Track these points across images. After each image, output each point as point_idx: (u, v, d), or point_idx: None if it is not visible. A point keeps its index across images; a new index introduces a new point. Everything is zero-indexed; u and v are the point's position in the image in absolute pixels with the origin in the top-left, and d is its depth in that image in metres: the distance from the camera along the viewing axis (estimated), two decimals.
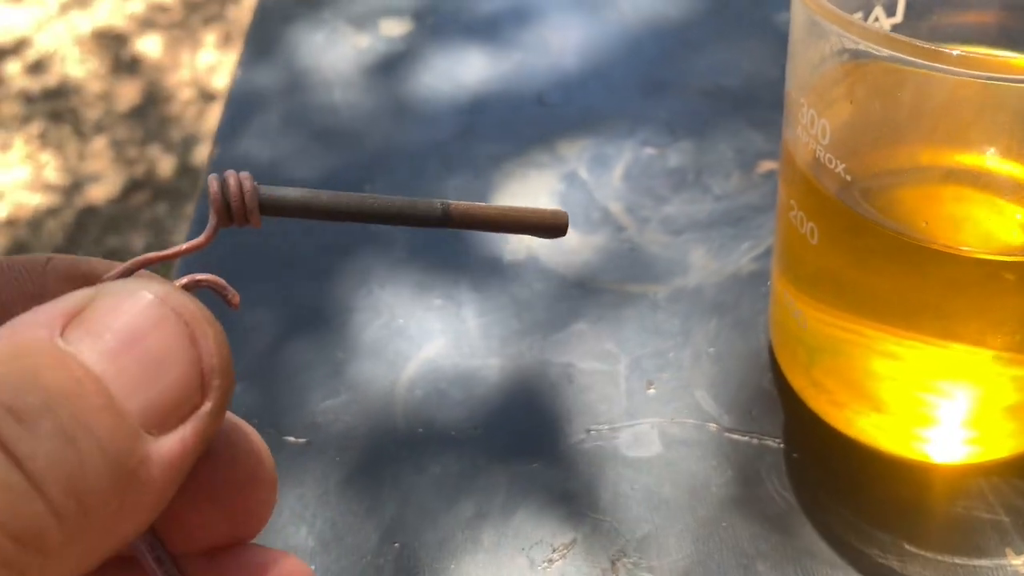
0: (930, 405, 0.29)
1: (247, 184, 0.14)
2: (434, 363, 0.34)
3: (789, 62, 0.26)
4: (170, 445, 0.13)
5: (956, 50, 0.21)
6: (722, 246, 0.37)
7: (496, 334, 0.35)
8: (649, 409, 0.32)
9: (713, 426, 0.31)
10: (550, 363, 0.34)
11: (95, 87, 1.48)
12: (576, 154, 0.43)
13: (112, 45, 1.54)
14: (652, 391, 0.33)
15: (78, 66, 1.51)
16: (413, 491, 0.31)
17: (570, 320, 0.35)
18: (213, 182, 0.14)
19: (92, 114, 1.43)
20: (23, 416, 0.11)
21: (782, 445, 0.31)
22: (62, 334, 0.12)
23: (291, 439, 0.32)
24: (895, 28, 0.29)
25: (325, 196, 0.15)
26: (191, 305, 0.13)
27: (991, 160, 0.25)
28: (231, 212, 0.14)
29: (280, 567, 0.15)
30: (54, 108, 1.45)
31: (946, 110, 0.24)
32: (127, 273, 0.14)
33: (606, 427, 0.32)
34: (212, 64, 1.47)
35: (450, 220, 0.15)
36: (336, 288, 0.38)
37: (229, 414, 0.15)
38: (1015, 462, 0.29)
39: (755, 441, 0.31)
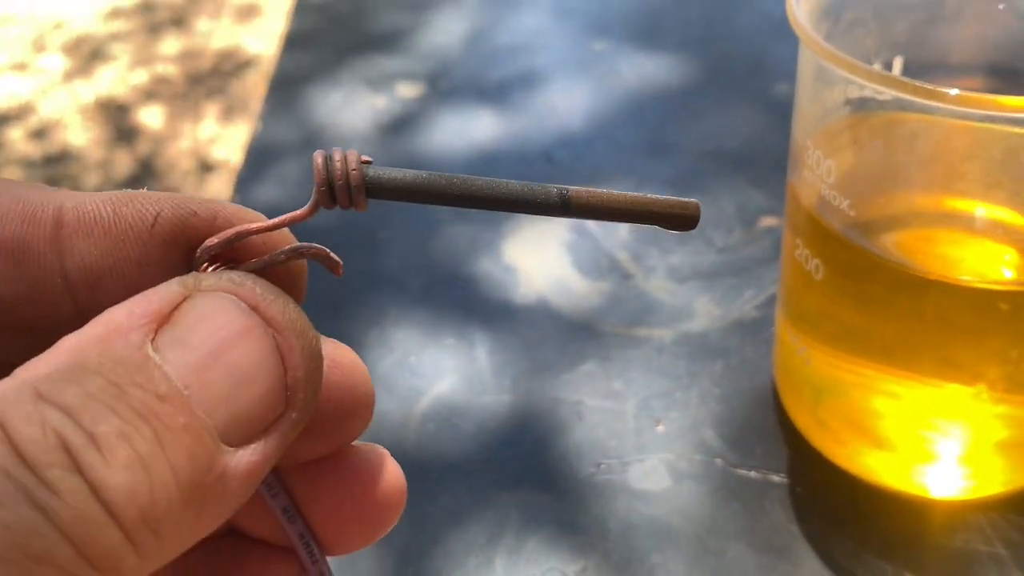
0: (929, 442, 0.30)
1: (353, 162, 0.13)
2: (447, 399, 0.35)
3: (796, 109, 0.28)
4: (249, 457, 0.13)
5: (952, 90, 0.23)
6: (725, 294, 0.39)
7: (507, 372, 0.36)
8: (658, 445, 0.33)
9: (719, 461, 0.32)
10: (560, 400, 0.35)
11: (95, 155, 1.51)
12: None
13: (114, 114, 1.57)
14: (660, 428, 0.34)
15: (79, 134, 1.54)
16: (427, 520, 0.31)
17: (579, 361, 0.37)
18: (318, 157, 0.14)
19: (91, 181, 1.45)
20: (102, 444, 0.12)
21: (786, 480, 0.31)
22: (153, 339, 0.13)
23: None
24: None
25: (438, 179, 0.14)
26: (280, 315, 0.13)
27: (985, 204, 0.27)
28: (334, 193, 0.14)
29: (378, 466, 0.16)
30: (53, 174, 1.47)
31: (944, 156, 0.26)
32: (228, 243, 0.14)
33: (616, 461, 0.33)
34: (212, 136, 1.50)
35: (570, 209, 0.14)
36: (350, 326, 0.39)
37: (373, 446, 0.16)
38: (1012, 498, 0.30)
39: (760, 476, 0.32)
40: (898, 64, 0.31)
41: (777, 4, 0.42)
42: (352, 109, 0.52)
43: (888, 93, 0.23)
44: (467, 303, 0.40)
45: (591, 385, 0.35)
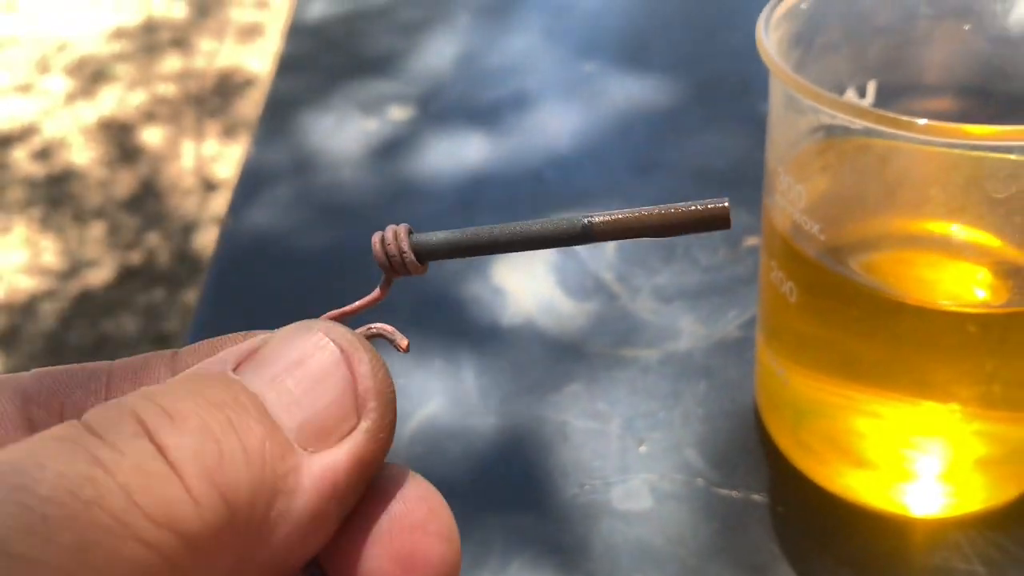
0: (908, 460, 0.30)
1: (402, 235, 0.15)
2: (434, 421, 0.36)
3: (768, 135, 0.28)
4: (324, 461, 0.13)
5: (922, 120, 0.23)
6: (710, 314, 0.39)
7: (494, 394, 0.37)
8: (640, 465, 0.33)
9: (701, 481, 0.33)
10: (545, 421, 0.35)
11: (98, 174, 1.52)
12: None
13: (116, 135, 1.59)
14: (643, 449, 0.34)
15: (82, 154, 1.55)
16: None
17: (564, 382, 0.37)
18: (376, 241, 0.16)
19: (93, 200, 1.47)
20: (175, 416, 0.12)
21: (768, 500, 0.32)
22: (235, 369, 0.14)
23: None
24: None
25: (469, 233, 0.15)
26: (349, 335, 0.14)
27: (956, 225, 0.27)
28: (392, 265, 0.16)
29: None
30: (57, 193, 1.48)
31: (914, 180, 0.27)
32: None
33: (599, 482, 0.33)
34: (214, 155, 1.51)
35: (593, 235, 0.15)
36: None
37: (399, 464, 0.15)
38: (989, 515, 0.30)
39: (742, 496, 0.32)
40: (872, 87, 0.32)
41: None
42: (344, 132, 0.53)
43: (858, 125, 0.24)
44: (456, 325, 0.40)
45: (576, 406, 0.36)
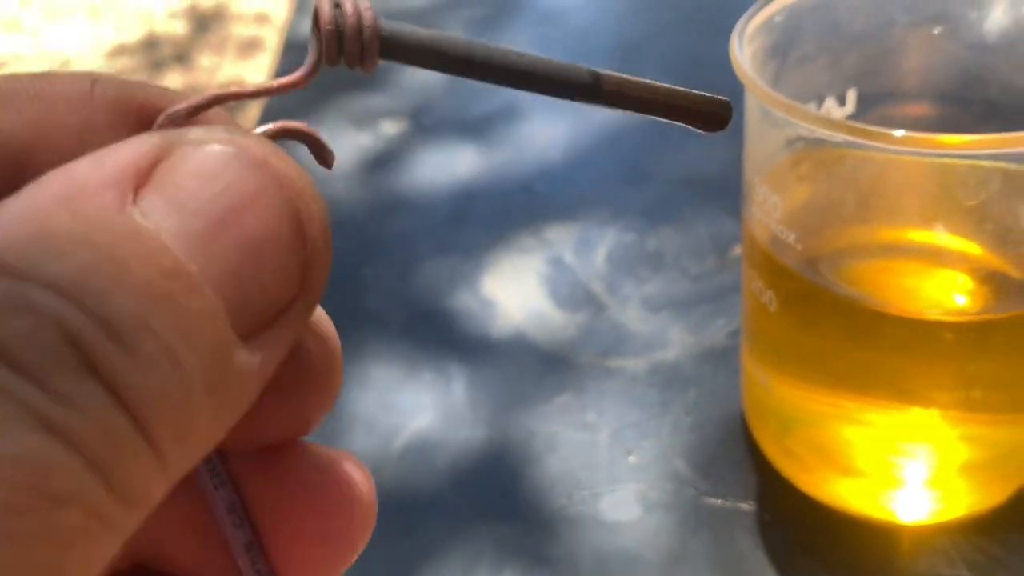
0: (895, 467, 0.30)
1: (367, 14, 0.12)
2: (424, 434, 0.36)
3: (744, 146, 0.29)
4: (262, 350, 0.10)
5: (898, 131, 0.23)
6: (699, 322, 0.39)
7: (484, 406, 0.37)
8: (629, 476, 0.33)
9: (690, 491, 0.33)
10: (535, 433, 0.36)
11: None
12: (562, 239, 0.45)
13: None
14: (632, 459, 0.34)
15: None
16: (401, 556, 0.32)
17: (554, 393, 0.37)
18: (324, 4, 0.12)
19: None
20: (121, 334, 0.09)
21: (756, 508, 0.32)
22: (135, 201, 0.09)
23: None
24: (850, 118, 0.32)
25: (457, 42, 0.12)
26: (293, 171, 0.11)
27: (932, 233, 0.27)
28: (343, 45, 0.12)
29: (338, 469, 0.13)
30: None
31: (890, 190, 0.27)
32: (196, 112, 0.12)
33: (587, 493, 0.33)
34: None
35: (600, 93, 0.13)
36: None
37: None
38: (976, 520, 0.30)
39: (730, 504, 0.32)
40: (852, 96, 0.32)
41: None
42: (337, 147, 0.53)
43: (839, 137, 0.24)
44: (446, 337, 0.40)
45: (565, 417, 0.36)
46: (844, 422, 0.30)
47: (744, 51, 0.27)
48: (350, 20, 0.12)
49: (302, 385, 0.13)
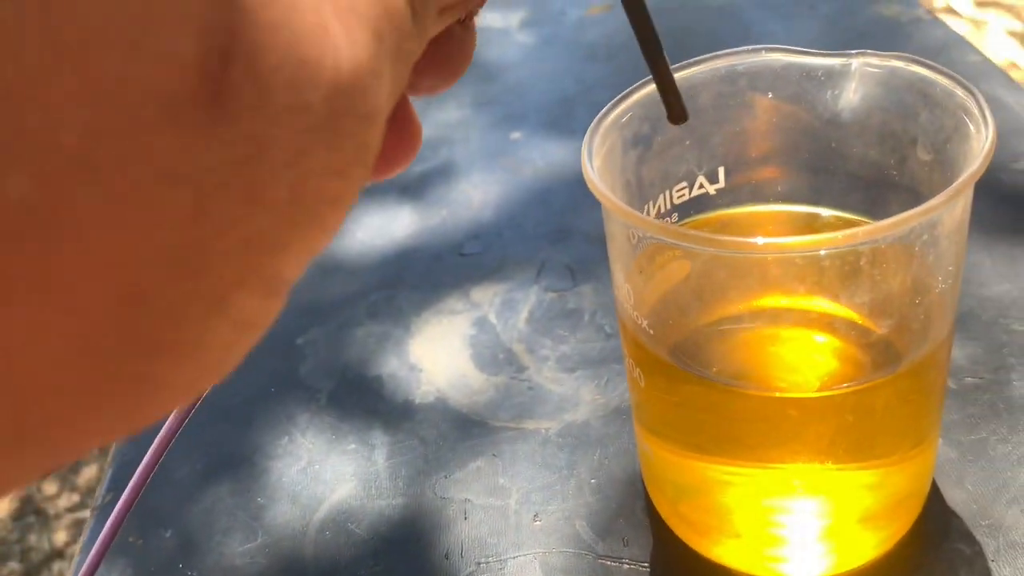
0: (782, 526, 0.32)
1: None
2: (345, 505, 0.38)
3: (605, 231, 0.30)
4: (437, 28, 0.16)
5: (721, 235, 0.25)
6: (609, 381, 0.41)
7: (403, 474, 0.39)
8: (534, 541, 0.35)
9: (589, 555, 0.34)
10: (450, 500, 0.37)
11: None
12: (488, 300, 0.47)
13: None
14: (538, 523, 0.36)
15: None
16: None
17: (470, 458, 0.39)
18: None
19: None
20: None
21: (652, 571, 0.33)
22: None
23: None
24: (720, 192, 0.34)
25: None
26: None
27: (780, 309, 0.29)
28: None
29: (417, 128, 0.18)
30: None
31: (732, 280, 0.28)
32: None
33: (494, 559, 0.35)
34: None
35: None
36: (262, 436, 0.41)
37: None
38: (873, 568, 0.31)
39: (627, 567, 0.34)
40: (722, 172, 0.33)
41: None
42: None
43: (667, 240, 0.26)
44: (371, 406, 0.42)
45: (479, 482, 0.38)
46: (720, 487, 0.31)
47: (596, 150, 0.28)
48: None
49: (447, 59, 0.18)
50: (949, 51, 0.59)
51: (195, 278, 0.10)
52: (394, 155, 0.19)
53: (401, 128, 0.19)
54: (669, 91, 0.25)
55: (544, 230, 0.51)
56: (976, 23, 1.89)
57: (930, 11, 0.64)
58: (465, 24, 0.19)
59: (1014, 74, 1.72)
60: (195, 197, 0.10)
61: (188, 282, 0.10)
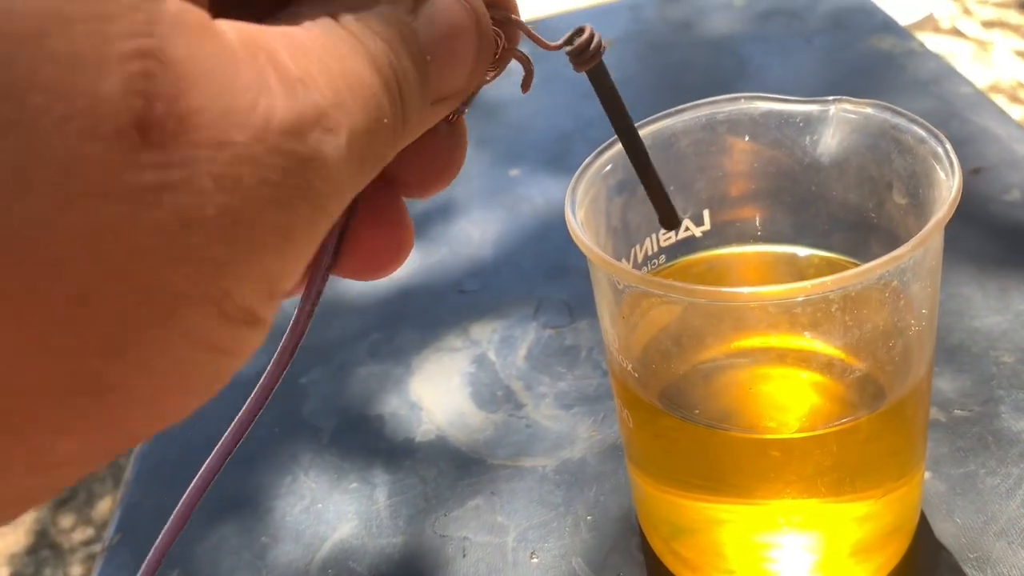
0: (773, 561, 0.32)
1: (603, 42, 0.22)
2: (346, 543, 0.38)
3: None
4: (438, 113, 0.17)
5: (697, 285, 0.26)
6: (605, 417, 0.42)
7: (403, 513, 0.39)
8: None
9: None
10: (448, 538, 0.38)
11: None
12: (487, 337, 0.48)
13: None
14: (535, 560, 0.36)
15: None
16: None
17: (469, 496, 0.40)
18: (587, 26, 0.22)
19: None
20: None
21: None
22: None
23: None
24: (705, 235, 0.35)
25: (621, 105, 0.24)
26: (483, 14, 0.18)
27: (754, 353, 0.29)
28: (586, 43, 0.22)
29: (407, 230, 0.19)
30: None
31: (705, 324, 0.29)
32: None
33: None
34: None
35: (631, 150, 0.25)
36: (265, 476, 0.42)
37: None
38: None
39: None
40: (707, 215, 0.34)
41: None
42: None
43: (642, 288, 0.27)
44: (372, 444, 0.43)
45: (477, 520, 0.38)
46: (711, 524, 0.32)
47: (580, 200, 0.29)
48: (595, 35, 0.22)
49: (436, 156, 0.19)
50: (941, 83, 0.60)
51: (133, 283, 0.12)
52: (384, 252, 0.20)
53: (391, 226, 0.19)
54: (660, 199, 0.26)
55: (542, 266, 0.52)
56: (982, 44, 1.90)
57: (922, 44, 0.65)
58: (450, 121, 0.19)
59: (1021, 93, 1.73)
60: (129, 211, 0.11)
61: (126, 284, 0.12)
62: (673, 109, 0.33)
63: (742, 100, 0.33)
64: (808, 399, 0.30)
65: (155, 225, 0.12)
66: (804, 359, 0.29)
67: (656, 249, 0.34)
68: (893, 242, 0.31)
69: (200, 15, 0.13)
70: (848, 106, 0.31)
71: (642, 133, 0.32)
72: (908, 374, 0.28)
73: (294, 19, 0.15)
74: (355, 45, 0.15)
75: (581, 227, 0.28)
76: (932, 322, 0.28)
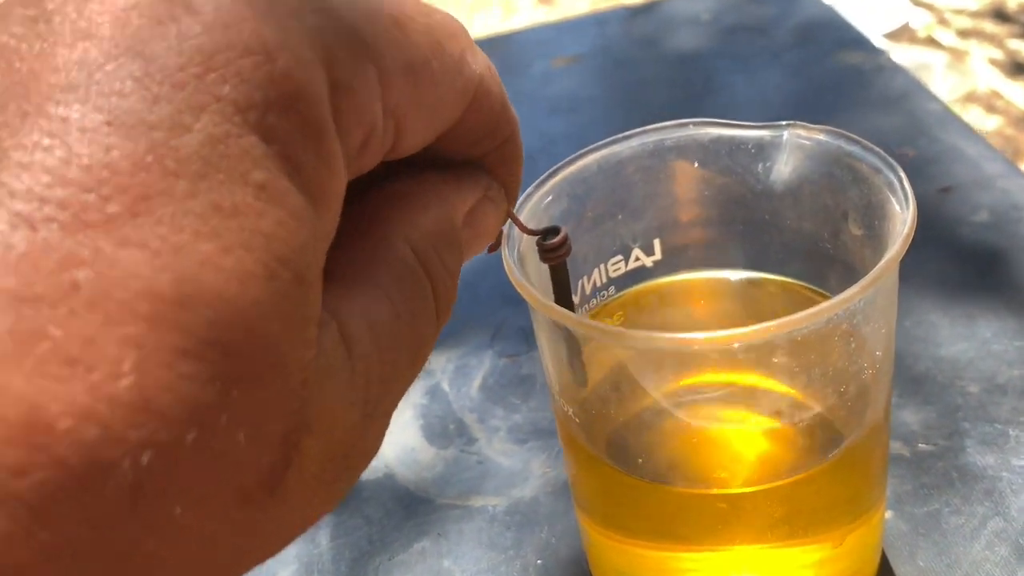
0: None
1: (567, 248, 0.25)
2: None
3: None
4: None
5: (631, 330, 0.24)
6: (559, 452, 0.40)
7: (346, 557, 0.38)
8: None
9: None
10: None
11: None
12: (442, 366, 0.46)
13: None
14: None
15: None
16: None
17: (415, 538, 0.38)
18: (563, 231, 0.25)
19: None
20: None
21: None
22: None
23: None
24: (657, 264, 0.33)
25: (567, 292, 0.26)
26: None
27: (701, 396, 0.28)
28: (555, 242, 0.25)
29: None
30: None
31: (648, 367, 0.28)
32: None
33: None
34: None
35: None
36: None
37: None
38: None
39: None
40: (657, 244, 0.33)
41: None
42: None
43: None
44: None
45: (423, 564, 0.37)
46: (660, 572, 0.30)
47: (519, 235, 0.27)
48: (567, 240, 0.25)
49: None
50: (910, 99, 0.59)
51: None
52: None
53: None
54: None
55: (499, 292, 0.50)
56: (957, 53, 1.90)
57: (891, 59, 0.64)
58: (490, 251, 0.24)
59: (997, 103, 1.73)
60: None
61: None
62: (620, 135, 0.31)
63: (690, 126, 0.31)
64: (757, 447, 0.28)
65: None
66: (751, 402, 0.27)
67: (605, 280, 0.32)
68: (850, 272, 0.30)
69: None
70: (801, 132, 0.30)
71: (589, 160, 0.31)
72: (863, 417, 0.27)
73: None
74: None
75: (518, 265, 0.26)
76: (888, 363, 0.27)
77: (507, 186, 0.23)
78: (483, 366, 0.45)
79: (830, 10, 0.72)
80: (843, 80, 0.62)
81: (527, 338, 0.46)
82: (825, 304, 0.22)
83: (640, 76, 0.68)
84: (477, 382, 0.45)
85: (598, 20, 0.76)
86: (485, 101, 0.19)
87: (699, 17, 0.73)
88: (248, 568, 0.14)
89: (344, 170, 0.15)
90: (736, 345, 0.23)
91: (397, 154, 0.17)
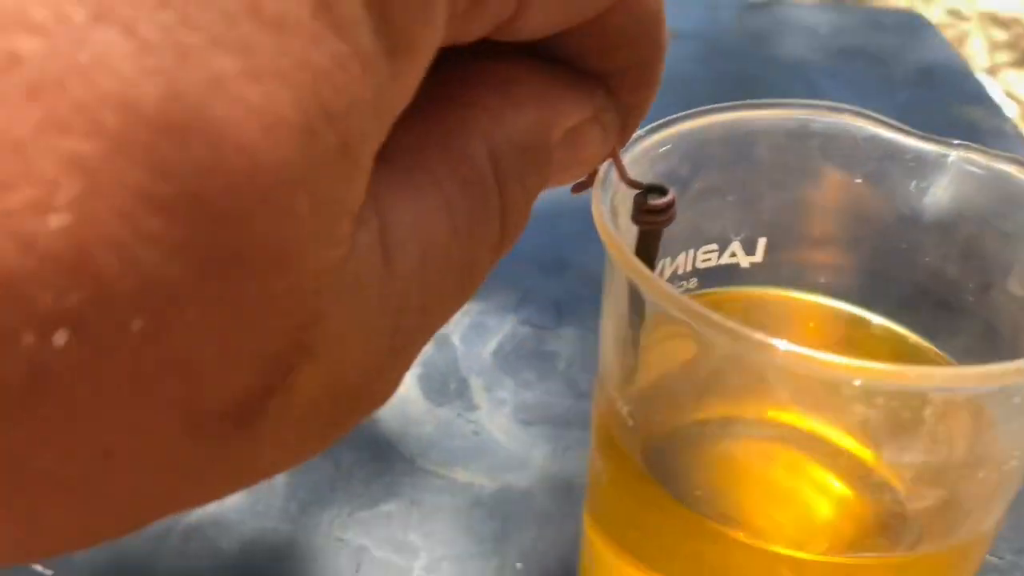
0: None
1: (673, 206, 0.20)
2: (222, 516, 0.31)
3: (603, 289, 0.24)
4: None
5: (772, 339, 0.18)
6: (568, 448, 0.35)
7: (300, 498, 0.32)
8: None
9: None
10: (344, 544, 0.31)
11: None
12: (456, 317, 0.41)
13: None
14: None
15: None
16: None
17: (383, 498, 0.33)
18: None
19: None
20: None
21: None
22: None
23: None
24: (754, 267, 0.28)
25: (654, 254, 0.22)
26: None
27: (788, 435, 0.23)
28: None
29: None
30: None
31: (733, 377, 0.22)
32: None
33: None
34: None
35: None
36: None
37: None
38: None
39: None
40: (762, 244, 0.27)
41: None
42: None
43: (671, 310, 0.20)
44: None
45: (385, 530, 0.31)
46: None
47: (617, 182, 0.22)
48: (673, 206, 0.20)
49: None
50: None
51: None
52: None
53: None
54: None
55: (535, 257, 0.44)
56: None
57: (1014, 123, 0.59)
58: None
59: None
60: None
61: None
62: (757, 101, 0.26)
63: (846, 113, 0.26)
64: (843, 516, 0.23)
65: None
66: (851, 465, 0.22)
67: (689, 269, 0.27)
68: (993, 337, 0.25)
69: None
70: (976, 156, 0.25)
71: (714, 121, 0.26)
72: (978, 517, 0.21)
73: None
74: None
75: (611, 216, 0.21)
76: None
77: (626, 118, 0.17)
78: (502, 329, 0.40)
79: (954, 56, 0.66)
80: (958, 136, 0.57)
81: (559, 312, 0.41)
82: (1015, 364, 0.17)
83: (740, 68, 0.62)
84: (492, 345, 0.39)
85: (710, 4, 0.70)
86: (639, 4, 0.14)
87: (817, 30, 0.67)
88: (183, 509, 0.10)
89: (443, 24, 0.11)
90: (856, 383, 0.18)
91: (513, 33, 0.13)
